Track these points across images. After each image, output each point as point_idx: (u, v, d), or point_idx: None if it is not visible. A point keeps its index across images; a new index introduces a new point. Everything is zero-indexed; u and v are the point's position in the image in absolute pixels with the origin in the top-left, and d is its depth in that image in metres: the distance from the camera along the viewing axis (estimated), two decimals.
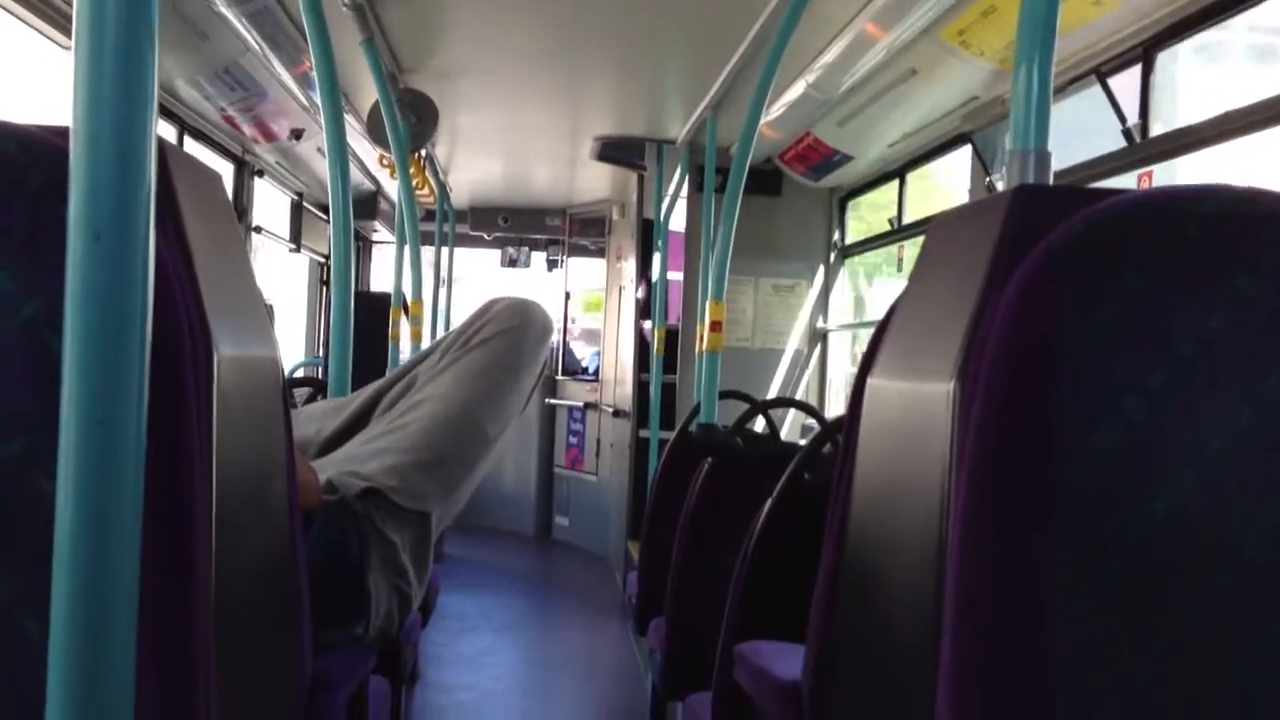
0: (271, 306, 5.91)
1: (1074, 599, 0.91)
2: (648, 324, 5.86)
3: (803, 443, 3.80)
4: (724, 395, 3.60)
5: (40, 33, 3.14)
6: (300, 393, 3.81)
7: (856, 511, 1.25)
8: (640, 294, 6.20)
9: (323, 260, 6.85)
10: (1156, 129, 2.87)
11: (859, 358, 5.32)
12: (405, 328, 4.58)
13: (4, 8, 2.89)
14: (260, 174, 5.30)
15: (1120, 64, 2.98)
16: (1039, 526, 0.91)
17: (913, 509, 1.07)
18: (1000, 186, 3.76)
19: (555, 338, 6.73)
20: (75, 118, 0.65)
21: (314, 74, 3.91)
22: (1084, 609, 0.91)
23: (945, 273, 1.15)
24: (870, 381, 1.24)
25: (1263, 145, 2.45)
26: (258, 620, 1.18)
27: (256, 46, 3.59)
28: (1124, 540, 0.91)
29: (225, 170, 4.95)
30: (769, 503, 1.99)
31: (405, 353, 4.55)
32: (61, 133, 0.89)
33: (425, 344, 4.63)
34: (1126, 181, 2.94)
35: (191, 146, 4.38)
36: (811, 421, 4.37)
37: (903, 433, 1.13)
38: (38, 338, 0.85)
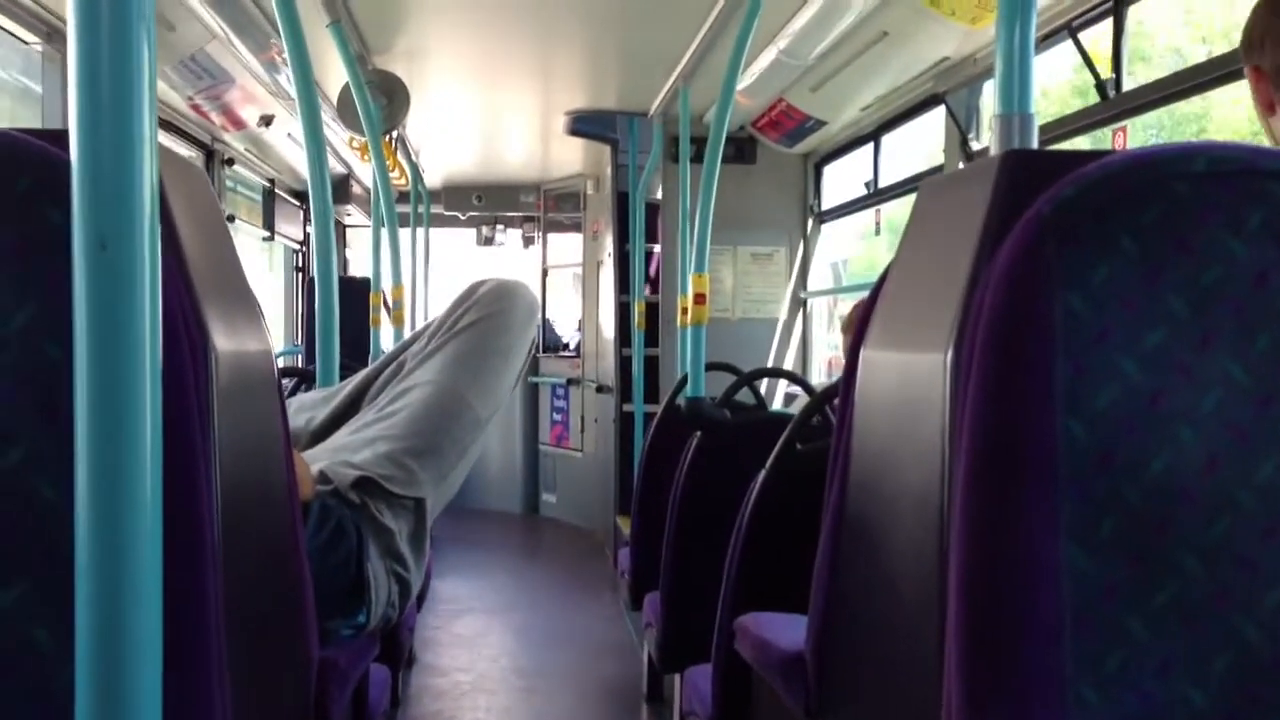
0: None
1: (1076, 559, 0.92)
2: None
3: (789, 411, 3.81)
4: (709, 367, 3.60)
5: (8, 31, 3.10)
6: (285, 383, 3.79)
7: (855, 481, 1.26)
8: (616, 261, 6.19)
9: (297, 247, 6.81)
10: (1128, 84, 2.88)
11: (840, 322, 5.34)
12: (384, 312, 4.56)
13: None
14: (230, 162, 5.25)
15: (1092, 19, 2.98)
16: (1040, 490, 0.91)
17: (912, 478, 1.08)
18: (976, 146, 3.77)
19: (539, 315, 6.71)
20: (74, 125, 0.64)
21: (280, 59, 3.89)
22: (1086, 568, 0.92)
23: (935, 241, 1.16)
24: (864, 353, 1.24)
25: None
26: (265, 614, 1.18)
27: (222, 33, 3.55)
28: (1124, 499, 0.92)
29: (194, 160, 4.91)
30: (762, 474, 2.00)
31: (387, 338, 4.53)
32: (46, 135, 0.88)
33: (406, 327, 4.60)
34: (1102, 137, 2.96)
35: (160, 138, 4.34)
36: (796, 389, 4.38)
37: (899, 403, 1.13)
38: (33, 345, 0.84)
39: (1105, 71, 2.91)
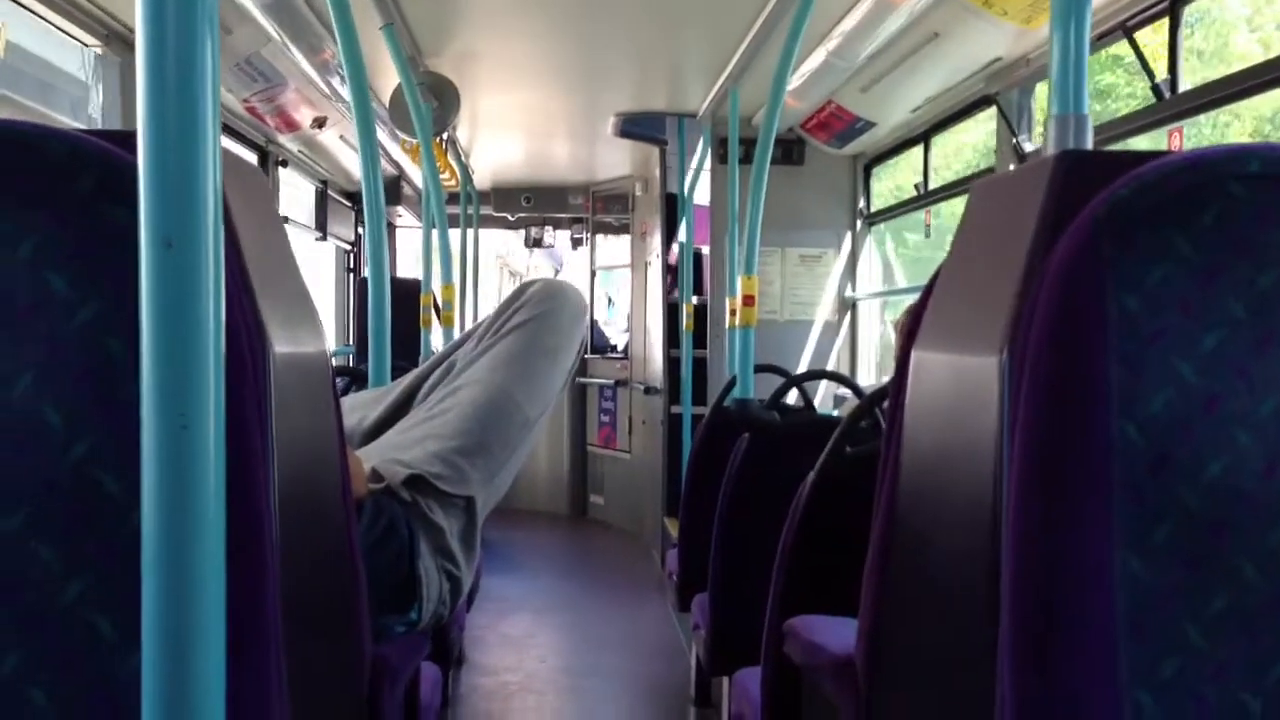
0: None
1: (1131, 563, 0.91)
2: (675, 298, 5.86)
3: (837, 414, 3.80)
4: (758, 369, 3.60)
5: (66, 33, 3.17)
6: (337, 381, 3.83)
7: (905, 484, 1.25)
8: (665, 262, 6.19)
9: (348, 248, 6.88)
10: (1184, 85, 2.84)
11: (889, 325, 5.30)
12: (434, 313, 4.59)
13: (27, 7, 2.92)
14: (284, 164, 5.31)
15: (1147, 19, 2.95)
16: (1095, 492, 0.91)
17: (964, 480, 1.07)
18: (1027, 147, 3.74)
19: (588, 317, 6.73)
20: (142, 126, 0.66)
21: (335, 62, 3.94)
22: (1142, 573, 0.91)
23: (988, 242, 1.15)
24: (915, 354, 1.24)
25: None
26: (320, 611, 1.20)
27: (278, 37, 3.60)
28: (1180, 503, 0.91)
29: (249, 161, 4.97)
30: (811, 476, 1.99)
31: (437, 337, 4.56)
32: (107, 136, 0.90)
33: (456, 328, 4.64)
34: (1158, 138, 2.92)
35: None
36: (844, 391, 4.37)
37: (951, 405, 1.13)
38: (96, 341, 0.86)
39: (1161, 72, 2.88)
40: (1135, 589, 0.91)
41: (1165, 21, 2.86)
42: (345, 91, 3.04)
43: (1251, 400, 0.91)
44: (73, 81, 3.30)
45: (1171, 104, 2.83)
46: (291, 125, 4.82)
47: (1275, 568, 0.92)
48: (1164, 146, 2.97)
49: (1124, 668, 0.90)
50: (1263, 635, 0.92)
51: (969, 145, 5.65)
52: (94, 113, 3.37)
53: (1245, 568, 0.91)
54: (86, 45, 3.26)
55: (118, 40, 3.27)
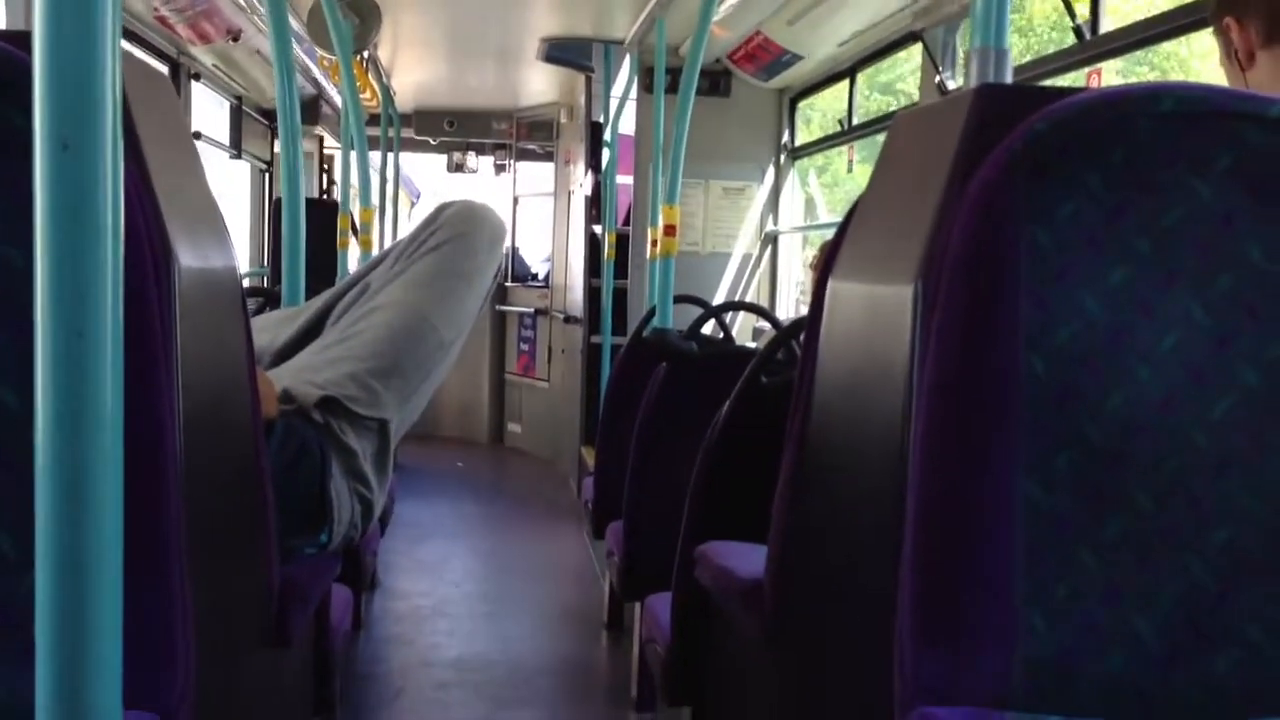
0: None
1: (1032, 491, 0.93)
2: (598, 228, 5.83)
3: (756, 346, 3.83)
4: (678, 300, 3.60)
5: None
6: (249, 303, 3.76)
7: (818, 412, 1.27)
8: (589, 192, 6.14)
9: (264, 167, 6.72)
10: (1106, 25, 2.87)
11: (810, 260, 5.34)
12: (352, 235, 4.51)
13: None
14: (197, 77, 5.15)
15: None
16: (1000, 423, 0.93)
17: (875, 408, 1.09)
18: (951, 85, 3.76)
19: (507, 242, 6.65)
20: (38, 24, 0.63)
21: None
22: (1041, 500, 0.94)
23: (906, 174, 1.16)
24: (831, 284, 1.25)
25: None
26: (227, 531, 1.18)
27: None
28: (1080, 434, 0.94)
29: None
30: (726, 406, 2.01)
31: (354, 260, 4.49)
32: (7, 36, 0.86)
33: (374, 251, 4.57)
34: (1077, 79, 2.95)
35: (124, 48, 4.25)
36: (764, 324, 4.40)
37: (865, 334, 1.14)
38: None
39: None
40: (1034, 516, 0.93)
41: None
42: (261, 3, 2.95)
43: (1153, 335, 0.94)
44: None
45: (1092, 45, 2.86)
46: (204, 37, 4.66)
47: (1169, 497, 0.95)
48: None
49: (1019, 592, 0.93)
50: (1154, 562, 0.95)
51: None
52: None
53: (1140, 497, 0.94)
54: None
55: None
